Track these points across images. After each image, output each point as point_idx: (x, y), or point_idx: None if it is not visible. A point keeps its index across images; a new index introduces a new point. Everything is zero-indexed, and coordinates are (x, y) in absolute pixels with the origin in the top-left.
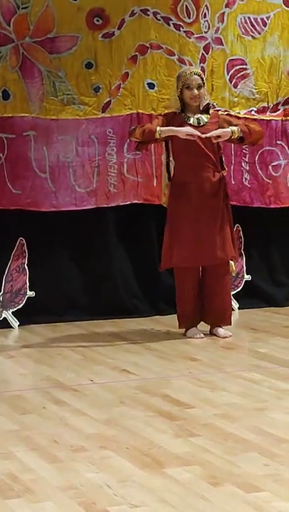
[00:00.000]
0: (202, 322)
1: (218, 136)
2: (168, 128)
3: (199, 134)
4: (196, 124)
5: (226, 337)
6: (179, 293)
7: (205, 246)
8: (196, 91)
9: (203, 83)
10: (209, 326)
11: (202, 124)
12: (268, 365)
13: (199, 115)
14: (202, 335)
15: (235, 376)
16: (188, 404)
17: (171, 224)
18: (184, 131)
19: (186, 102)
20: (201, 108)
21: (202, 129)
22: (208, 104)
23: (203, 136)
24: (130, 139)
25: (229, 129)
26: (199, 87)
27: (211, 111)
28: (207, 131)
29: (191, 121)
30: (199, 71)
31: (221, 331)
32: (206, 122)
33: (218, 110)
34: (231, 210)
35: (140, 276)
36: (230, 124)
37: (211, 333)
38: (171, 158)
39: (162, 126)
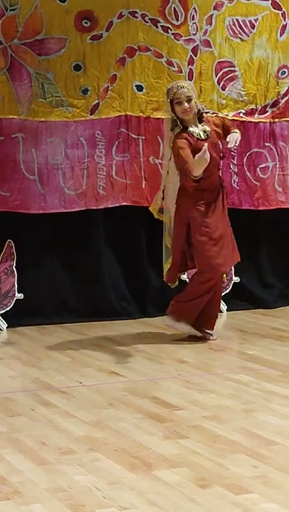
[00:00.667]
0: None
1: (235, 142)
2: (197, 166)
3: (206, 148)
4: (204, 138)
5: (216, 339)
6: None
7: (231, 248)
8: (186, 104)
9: (193, 96)
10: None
11: (209, 135)
12: (256, 367)
13: (202, 127)
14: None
15: (223, 378)
16: (177, 406)
17: (203, 232)
18: (207, 157)
19: (179, 116)
20: (197, 117)
21: (209, 139)
22: (200, 111)
23: (229, 146)
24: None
25: (238, 133)
26: (189, 99)
27: (204, 118)
28: (213, 140)
29: (202, 136)
30: (186, 83)
31: (211, 332)
32: (209, 131)
33: (206, 112)
34: None
35: (129, 278)
36: (221, 124)
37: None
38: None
39: (187, 149)
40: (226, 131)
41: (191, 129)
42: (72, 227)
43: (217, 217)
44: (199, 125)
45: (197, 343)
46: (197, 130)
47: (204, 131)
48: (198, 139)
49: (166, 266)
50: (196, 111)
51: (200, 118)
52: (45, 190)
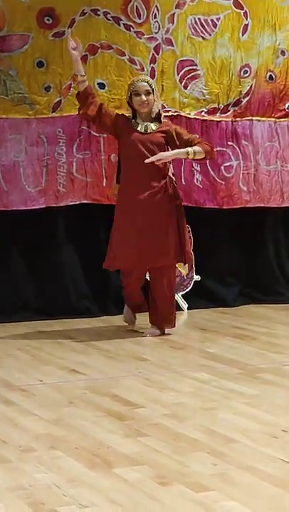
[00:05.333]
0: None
1: (159, 160)
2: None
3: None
4: (142, 131)
5: (154, 336)
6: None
7: (150, 249)
8: (143, 97)
9: (153, 90)
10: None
11: (149, 131)
12: (216, 365)
13: (148, 122)
14: (132, 326)
15: (184, 376)
16: (137, 404)
17: (118, 226)
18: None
19: (135, 108)
20: (153, 116)
21: (148, 136)
22: (160, 112)
23: (146, 161)
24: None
25: (184, 151)
26: (147, 93)
27: (162, 120)
28: (153, 138)
29: (139, 128)
30: (148, 78)
31: (149, 329)
32: (154, 130)
33: (168, 111)
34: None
35: (89, 276)
36: (180, 138)
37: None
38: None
39: (113, 121)
40: (180, 141)
41: (137, 120)
42: (32, 224)
43: (138, 216)
44: (150, 123)
45: (157, 341)
46: (141, 124)
47: (145, 126)
48: (137, 130)
49: None
50: (156, 110)
51: (158, 118)
52: (8, 188)
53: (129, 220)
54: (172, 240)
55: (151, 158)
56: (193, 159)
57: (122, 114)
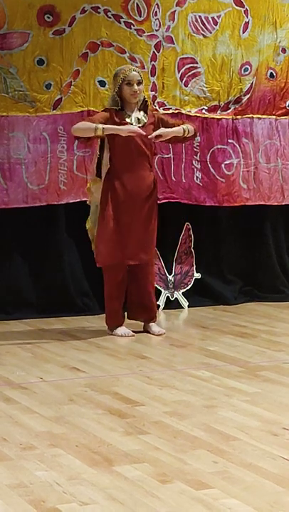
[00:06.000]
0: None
1: (160, 136)
2: (111, 126)
3: (141, 131)
4: (135, 124)
5: (160, 334)
6: (108, 291)
7: (135, 244)
8: (136, 86)
9: (142, 80)
10: (143, 324)
11: (142, 124)
12: (217, 363)
13: (138, 114)
14: (132, 332)
15: (184, 374)
16: (137, 402)
17: (105, 221)
18: (125, 129)
19: (125, 98)
20: (139, 106)
21: (141, 129)
22: (146, 101)
23: (145, 134)
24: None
25: (180, 128)
26: (139, 83)
27: (149, 108)
28: (147, 131)
29: (131, 120)
30: (137, 68)
31: (155, 328)
32: (145, 123)
33: (168, 108)
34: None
35: (90, 274)
36: (166, 123)
37: (145, 331)
38: (104, 155)
39: (104, 122)
40: (167, 127)
41: (128, 112)
42: (33, 222)
43: (127, 210)
44: (138, 112)
45: (158, 338)
46: (134, 115)
47: (138, 119)
48: (129, 123)
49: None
50: (141, 100)
51: (144, 108)
52: (7, 186)
53: (129, 213)
54: (154, 235)
55: (154, 133)
56: (186, 137)
57: (108, 109)
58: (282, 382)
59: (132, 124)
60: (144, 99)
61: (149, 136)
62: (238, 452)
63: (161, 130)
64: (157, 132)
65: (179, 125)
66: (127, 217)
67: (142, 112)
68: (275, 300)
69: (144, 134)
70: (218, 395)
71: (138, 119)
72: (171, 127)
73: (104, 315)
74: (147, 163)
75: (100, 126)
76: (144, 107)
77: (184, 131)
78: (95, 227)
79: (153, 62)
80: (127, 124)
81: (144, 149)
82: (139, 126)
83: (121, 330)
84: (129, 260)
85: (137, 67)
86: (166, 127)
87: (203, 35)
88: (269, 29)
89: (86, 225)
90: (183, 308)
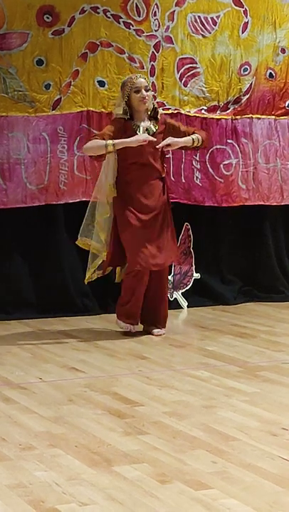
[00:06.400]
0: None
1: (168, 145)
2: (121, 141)
3: (151, 138)
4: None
5: (160, 335)
6: (135, 293)
7: (158, 250)
8: (144, 92)
9: (149, 87)
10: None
11: (151, 133)
12: (216, 363)
13: (148, 124)
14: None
15: (183, 374)
16: (137, 402)
17: (126, 229)
18: (135, 140)
19: (134, 106)
20: (149, 113)
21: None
22: (155, 108)
23: (155, 144)
24: (84, 153)
25: (190, 138)
26: (147, 89)
27: (159, 116)
28: (156, 140)
29: (141, 131)
30: (143, 75)
31: (155, 329)
32: (155, 132)
33: (168, 108)
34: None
35: None
36: (178, 130)
37: (145, 331)
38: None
39: (113, 134)
40: (178, 134)
41: (137, 122)
42: (33, 222)
43: (143, 217)
44: (148, 121)
45: (157, 339)
46: (142, 124)
47: (147, 129)
48: (137, 133)
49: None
50: (151, 108)
51: (154, 116)
52: (7, 186)
53: (142, 223)
54: (173, 239)
55: (163, 143)
56: (195, 147)
57: (116, 119)
58: (281, 383)
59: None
60: (154, 107)
61: (157, 146)
62: (238, 452)
63: (170, 140)
64: (165, 142)
65: (190, 133)
66: (150, 224)
67: (152, 121)
68: (275, 300)
69: (155, 140)
70: (218, 395)
71: (147, 129)
72: (183, 135)
73: (115, 314)
74: (155, 171)
75: (110, 142)
76: (154, 114)
77: (194, 141)
78: (109, 236)
79: (152, 63)
80: (135, 135)
81: (154, 158)
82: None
83: (126, 325)
84: (156, 266)
85: (135, 67)
86: (177, 134)
87: (202, 35)
88: (268, 29)
89: (93, 241)
90: (182, 308)
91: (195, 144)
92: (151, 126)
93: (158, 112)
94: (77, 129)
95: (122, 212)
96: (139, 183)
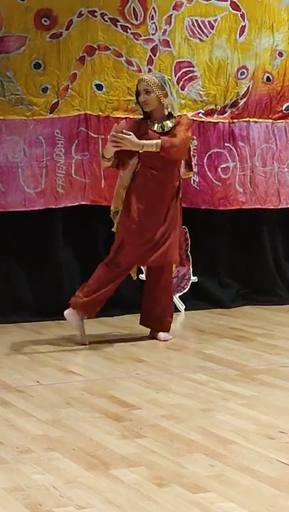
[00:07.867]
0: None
1: (122, 139)
2: (105, 149)
3: (122, 135)
4: (160, 131)
5: (166, 340)
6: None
7: (169, 245)
8: (143, 96)
9: (153, 89)
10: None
11: (166, 130)
12: (214, 367)
13: (163, 121)
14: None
15: (181, 377)
16: (134, 406)
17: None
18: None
19: (141, 106)
20: (166, 114)
21: (165, 135)
22: (170, 113)
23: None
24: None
25: (152, 142)
26: (146, 92)
27: (175, 115)
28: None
29: (155, 128)
30: (149, 76)
31: (161, 334)
32: (171, 127)
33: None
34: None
35: (87, 277)
36: (174, 130)
37: (152, 337)
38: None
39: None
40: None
41: (154, 121)
42: (30, 225)
43: (161, 213)
44: (166, 121)
45: (155, 342)
46: (157, 123)
47: (162, 125)
48: (153, 130)
49: None
50: (168, 108)
51: (169, 116)
52: (5, 189)
53: (152, 223)
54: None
55: (121, 134)
56: (158, 152)
57: (133, 120)
58: (278, 386)
59: (154, 132)
60: (171, 113)
61: (112, 133)
62: (235, 456)
63: (129, 137)
64: (124, 136)
65: (174, 135)
66: (160, 224)
67: (171, 119)
68: (272, 303)
69: (120, 135)
70: (215, 398)
71: (162, 125)
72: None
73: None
74: (172, 171)
75: (101, 153)
76: (169, 117)
77: (155, 146)
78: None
79: (149, 66)
80: (149, 132)
81: (162, 161)
82: (162, 133)
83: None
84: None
85: (133, 70)
86: (173, 133)
87: (199, 38)
88: (266, 33)
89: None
90: (180, 311)
91: (154, 150)
92: (168, 122)
93: (172, 115)
94: (75, 133)
95: (128, 207)
96: (147, 187)
